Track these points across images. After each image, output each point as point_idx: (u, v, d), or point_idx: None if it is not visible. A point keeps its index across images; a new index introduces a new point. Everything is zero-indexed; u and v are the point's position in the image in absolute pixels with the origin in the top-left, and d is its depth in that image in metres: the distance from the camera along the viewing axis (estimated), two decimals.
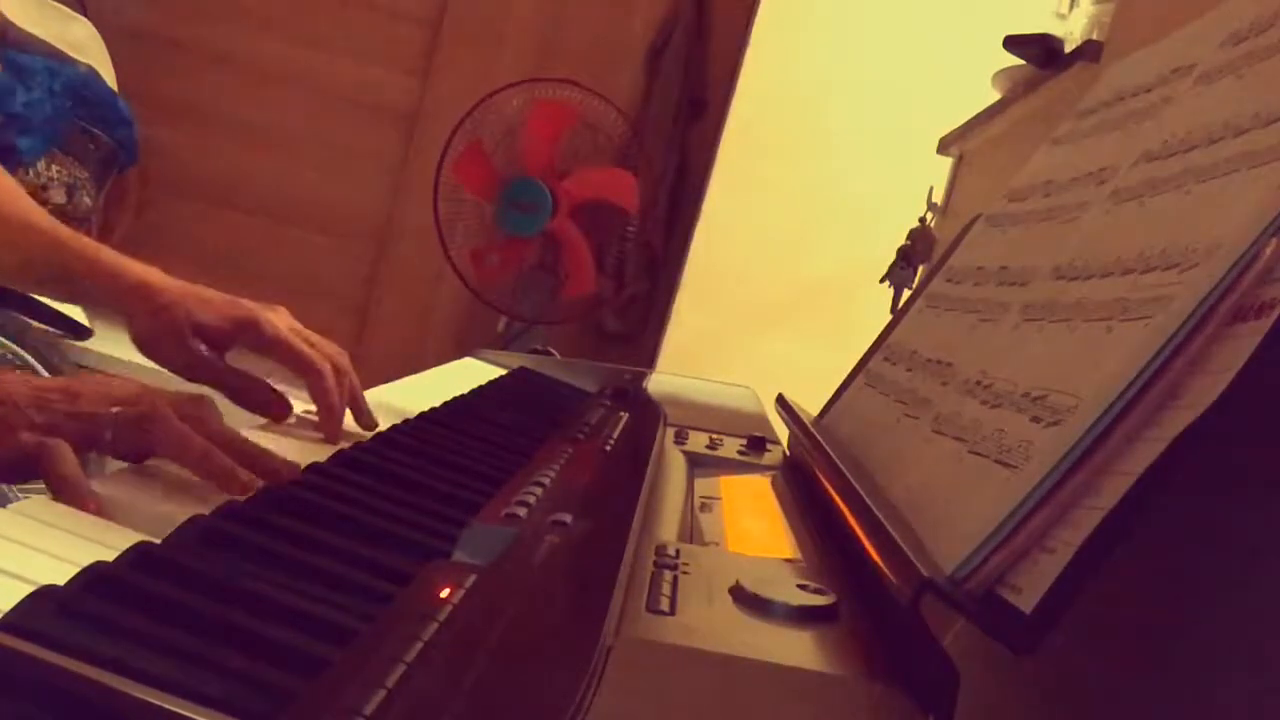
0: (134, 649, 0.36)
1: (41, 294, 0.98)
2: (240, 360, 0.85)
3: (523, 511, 0.59)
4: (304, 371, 0.83)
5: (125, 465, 0.63)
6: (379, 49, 2.85)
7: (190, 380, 0.83)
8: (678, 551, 0.55)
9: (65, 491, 0.54)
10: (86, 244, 0.88)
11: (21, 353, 2.23)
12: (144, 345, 0.84)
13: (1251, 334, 0.38)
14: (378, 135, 2.86)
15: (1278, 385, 0.37)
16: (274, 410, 0.82)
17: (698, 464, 0.88)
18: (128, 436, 0.62)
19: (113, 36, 2.63)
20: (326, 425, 0.82)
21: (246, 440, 0.65)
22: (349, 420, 0.86)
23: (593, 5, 2.81)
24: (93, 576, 0.40)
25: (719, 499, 0.77)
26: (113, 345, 2.28)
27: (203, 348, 0.83)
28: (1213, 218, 0.46)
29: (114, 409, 0.61)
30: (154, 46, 2.80)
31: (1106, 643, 0.41)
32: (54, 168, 2.41)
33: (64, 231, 0.89)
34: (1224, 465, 0.39)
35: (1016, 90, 1.82)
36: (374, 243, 2.87)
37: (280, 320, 0.87)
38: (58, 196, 2.41)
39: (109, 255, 0.87)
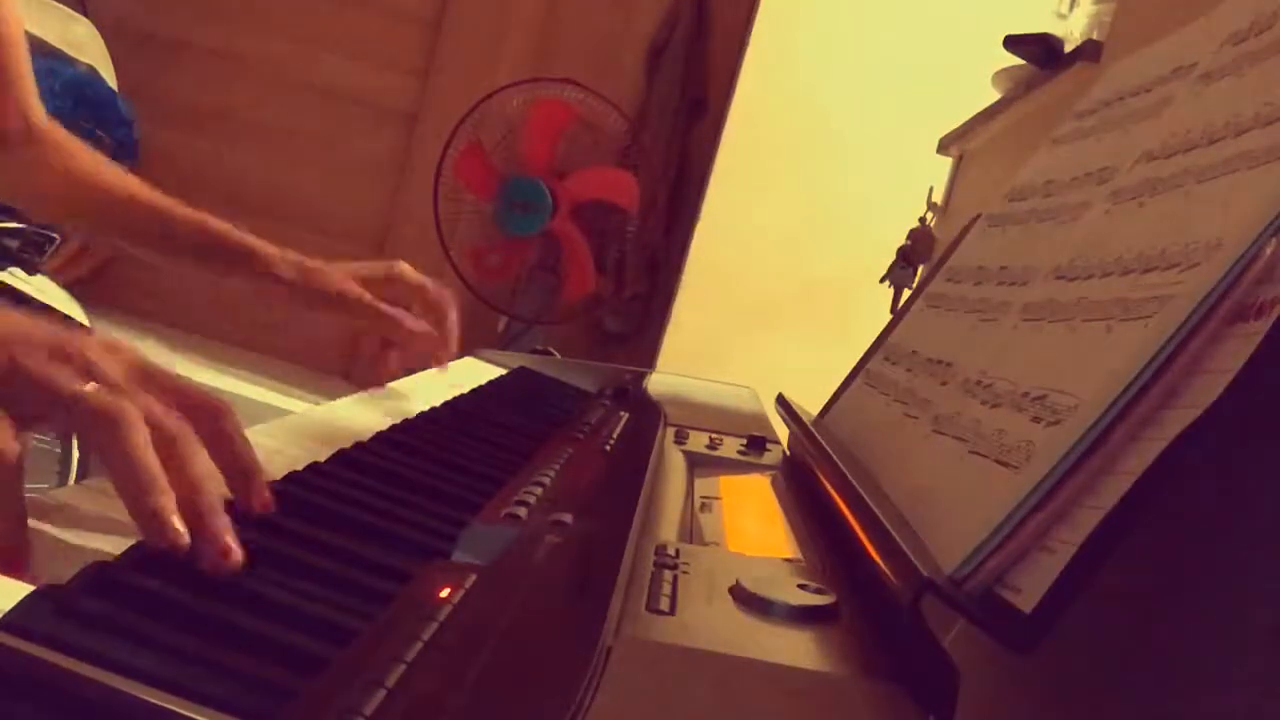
0: (134, 649, 0.36)
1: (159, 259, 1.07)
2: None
3: (523, 511, 0.59)
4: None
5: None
6: (379, 49, 2.85)
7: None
8: (678, 551, 0.55)
9: None
10: (208, 218, 1.01)
11: None
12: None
13: (1251, 334, 0.38)
14: (378, 135, 2.86)
15: (1278, 385, 0.37)
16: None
17: (698, 464, 0.88)
18: (79, 427, 0.47)
19: (113, 36, 2.63)
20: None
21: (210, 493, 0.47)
22: (350, 423, 0.86)
23: (593, 5, 2.81)
24: (93, 576, 0.40)
25: (719, 499, 0.77)
26: None
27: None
28: (1213, 218, 0.46)
29: (86, 387, 0.46)
30: (154, 46, 2.80)
31: (1106, 643, 0.41)
32: None
33: (166, 201, 0.99)
34: (1224, 465, 0.39)
35: (1016, 90, 1.82)
36: (374, 243, 2.87)
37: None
38: None
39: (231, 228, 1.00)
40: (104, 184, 1.04)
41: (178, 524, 0.44)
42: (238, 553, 0.44)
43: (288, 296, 0.97)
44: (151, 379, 0.51)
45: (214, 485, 0.47)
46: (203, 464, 0.48)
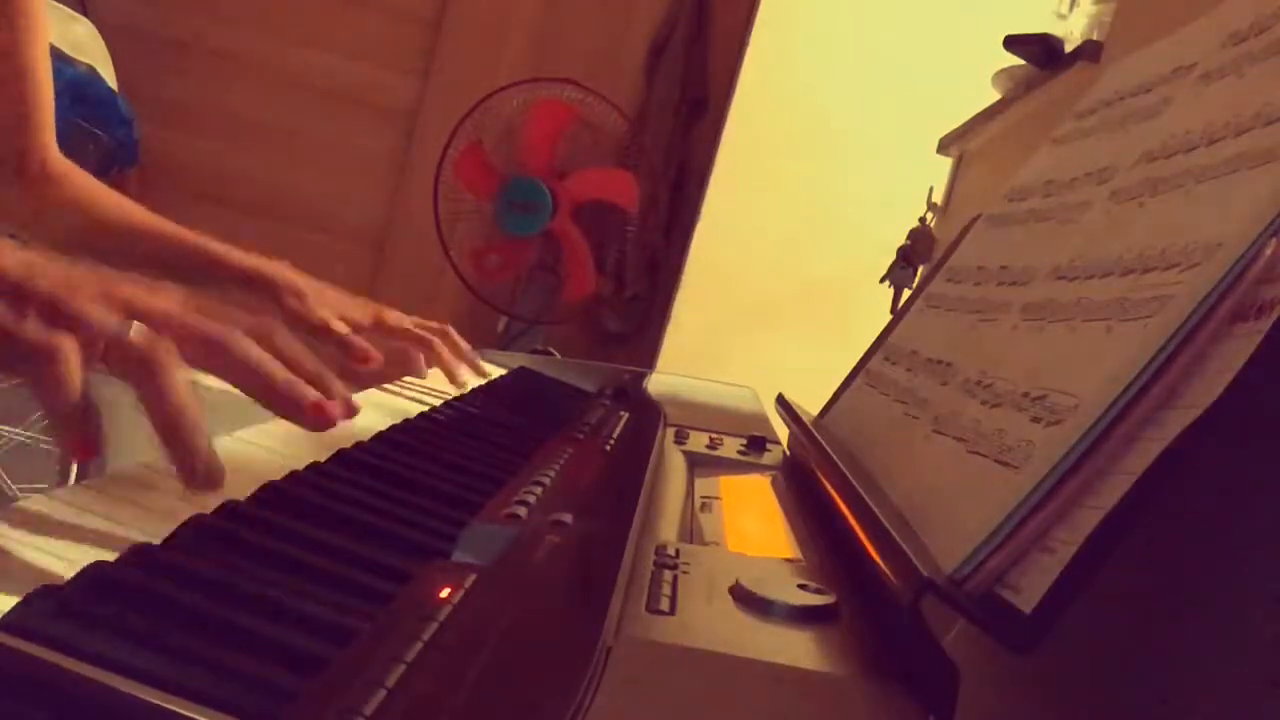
0: (134, 649, 0.36)
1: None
2: None
3: (523, 511, 0.59)
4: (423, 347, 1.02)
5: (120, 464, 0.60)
6: (379, 49, 2.85)
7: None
8: (678, 551, 0.55)
9: (62, 421, 0.45)
10: (207, 241, 0.99)
11: None
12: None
13: (1251, 334, 0.38)
14: (378, 135, 2.86)
15: (1278, 385, 0.37)
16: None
17: (698, 464, 0.88)
18: (122, 368, 0.49)
19: (113, 36, 2.63)
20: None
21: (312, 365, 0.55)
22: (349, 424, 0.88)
23: (593, 5, 2.81)
24: (93, 576, 0.40)
25: (719, 499, 0.77)
26: None
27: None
28: (1213, 218, 0.46)
29: (130, 327, 0.50)
30: (154, 46, 2.80)
31: (1106, 643, 0.41)
32: None
33: (169, 226, 0.99)
34: (1224, 465, 0.39)
35: (1016, 90, 1.82)
36: (374, 243, 2.87)
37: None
38: None
39: (230, 248, 0.98)
40: (108, 218, 1.06)
41: (214, 461, 0.48)
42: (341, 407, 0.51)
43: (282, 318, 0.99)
44: (201, 309, 0.54)
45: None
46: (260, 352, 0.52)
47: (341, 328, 0.96)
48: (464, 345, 1.07)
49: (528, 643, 0.41)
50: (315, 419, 0.49)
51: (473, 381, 1.11)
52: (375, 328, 1.02)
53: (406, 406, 0.95)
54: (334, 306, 1.01)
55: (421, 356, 1.07)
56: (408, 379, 1.07)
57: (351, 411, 0.55)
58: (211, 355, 0.51)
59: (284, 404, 0.51)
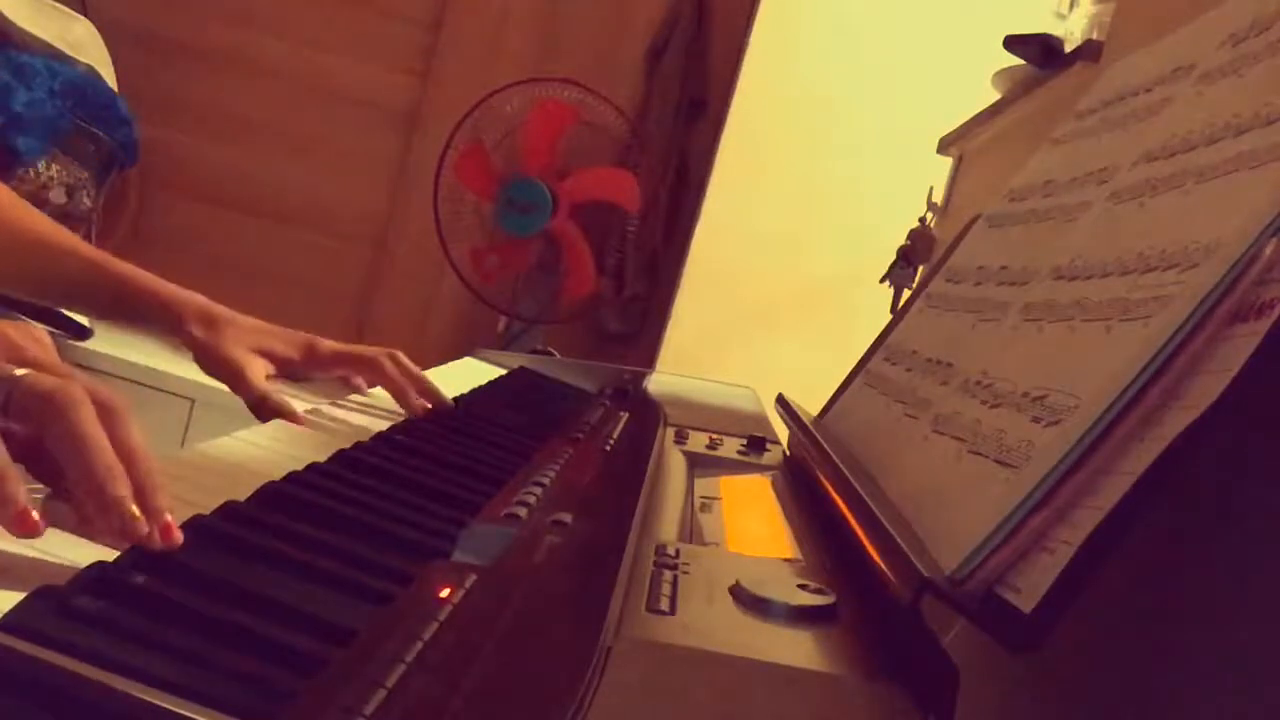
0: (134, 649, 0.36)
1: (84, 313, 1.02)
2: None
3: (523, 511, 0.59)
4: (367, 367, 0.93)
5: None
6: (379, 49, 2.85)
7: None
8: (678, 551, 0.55)
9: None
10: (132, 269, 0.93)
11: None
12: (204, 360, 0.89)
13: (1251, 334, 0.38)
14: (378, 135, 2.86)
15: (1278, 385, 0.37)
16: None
17: (698, 464, 0.88)
18: (22, 410, 0.46)
19: (113, 36, 2.63)
20: (404, 404, 0.92)
21: (154, 469, 0.47)
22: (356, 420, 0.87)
23: (593, 5, 2.81)
24: (93, 576, 0.40)
25: (719, 499, 0.77)
26: (113, 345, 2.28)
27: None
28: (1213, 218, 0.46)
29: (20, 371, 0.47)
30: (154, 46, 2.80)
31: (1107, 643, 0.41)
32: (54, 168, 2.41)
33: (109, 258, 0.93)
34: (1224, 465, 0.39)
35: (1016, 90, 1.82)
36: (374, 243, 2.87)
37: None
38: (58, 196, 2.40)
39: (155, 279, 0.92)
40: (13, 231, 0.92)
41: (137, 511, 0.44)
42: (178, 534, 0.44)
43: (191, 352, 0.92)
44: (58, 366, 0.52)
45: (152, 460, 0.47)
46: (139, 435, 0.48)
47: (258, 370, 0.86)
48: (414, 369, 0.95)
49: (528, 643, 0.41)
50: (151, 540, 0.44)
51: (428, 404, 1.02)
52: (307, 360, 0.93)
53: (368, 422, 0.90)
54: (259, 339, 0.91)
55: (361, 379, 0.96)
56: (353, 396, 0.99)
57: (170, 538, 0.45)
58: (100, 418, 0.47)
59: (95, 512, 0.44)
